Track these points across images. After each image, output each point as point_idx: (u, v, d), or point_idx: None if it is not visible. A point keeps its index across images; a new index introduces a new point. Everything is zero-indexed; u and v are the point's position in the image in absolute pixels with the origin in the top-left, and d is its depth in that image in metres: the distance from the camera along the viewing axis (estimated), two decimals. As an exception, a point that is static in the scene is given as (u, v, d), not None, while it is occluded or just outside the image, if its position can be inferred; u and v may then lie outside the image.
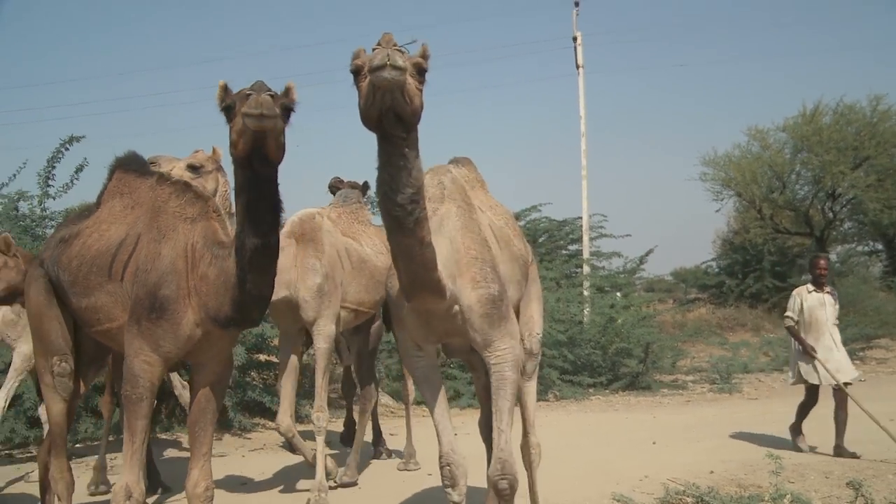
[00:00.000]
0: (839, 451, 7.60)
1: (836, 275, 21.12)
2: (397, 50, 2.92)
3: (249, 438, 9.07)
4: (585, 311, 14.16)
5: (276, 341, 8.25)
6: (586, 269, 16.24)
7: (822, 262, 8.27)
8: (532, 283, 4.73)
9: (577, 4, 18.65)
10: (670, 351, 14.70)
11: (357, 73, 3.01)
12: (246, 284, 3.51)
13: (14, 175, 9.97)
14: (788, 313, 8.14)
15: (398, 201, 3.14)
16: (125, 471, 3.72)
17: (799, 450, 7.85)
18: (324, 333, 6.01)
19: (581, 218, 17.38)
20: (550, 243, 16.99)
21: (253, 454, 8.32)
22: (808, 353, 7.83)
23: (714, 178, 26.79)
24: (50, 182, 9.74)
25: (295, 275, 5.92)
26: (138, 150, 4.57)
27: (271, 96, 3.18)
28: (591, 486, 6.36)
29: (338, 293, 6.10)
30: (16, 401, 8.12)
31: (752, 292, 23.68)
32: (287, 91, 3.39)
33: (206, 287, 3.68)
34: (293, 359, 6.18)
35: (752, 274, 24.04)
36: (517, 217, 15.23)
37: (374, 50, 2.92)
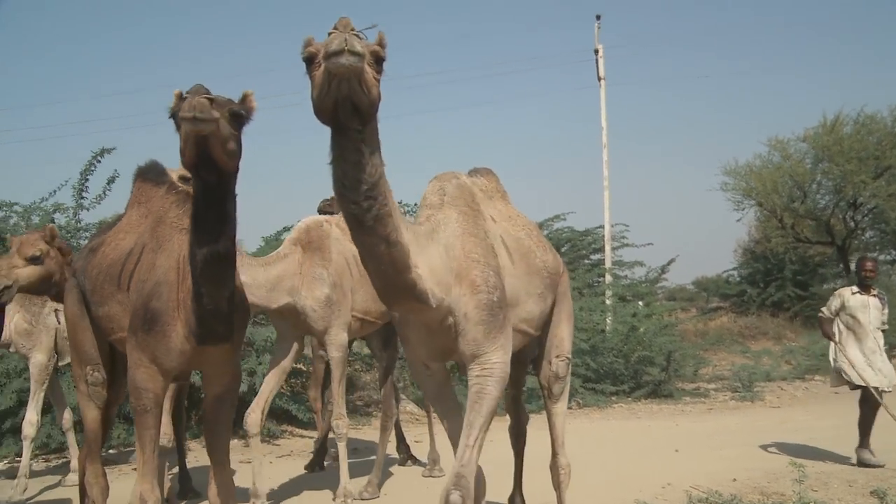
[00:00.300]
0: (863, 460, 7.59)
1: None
2: (355, 35, 2.69)
3: (278, 445, 9.21)
4: (608, 320, 14.23)
5: (307, 350, 8.29)
6: (608, 278, 16.32)
7: (868, 263, 7.98)
8: (562, 298, 4.56)
9: (598, 18, 18.87)
10: (692, 359, 14.71)
11: (310, 61, 2.78)
12: (202, 298, 3.40)
13: (55, 191, 10.17)
14: (823, 309, 8.06)
15: (353, 198, 2.96)
16: (139, 479, 3.72)
17: (870, 464, 7.46)
18: (336, 343, 6.03)
19: (603, 227, 17.48)
20: (573, 253, 17.08)
21: (280, 461, 8.44)
22: (833, 341, 7.77)
23: (735, 188, 26.78)
24: (84, 194, 9.95)
25: (299, 282, 5.88)
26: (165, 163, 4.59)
27: (209, 99, 3.03)
28: (614, 493, 6.42)
29: (347, 302, 6.07)
30: (52, 408, 8.30)
31: (773, 301, 23.67)
32: (244, 98, 3.27)
33: (189, 300, 3.58)
34: (283, 362, 6.13)
35: (774, 283, 24.04)
36: (540, 226, 15.32)
37: (329, 35, 2.70)
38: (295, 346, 6.24)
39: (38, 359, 6.64)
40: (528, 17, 66.95)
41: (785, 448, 8.35)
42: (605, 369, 12.95)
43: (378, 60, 2.85)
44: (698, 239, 51.17)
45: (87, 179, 9.83)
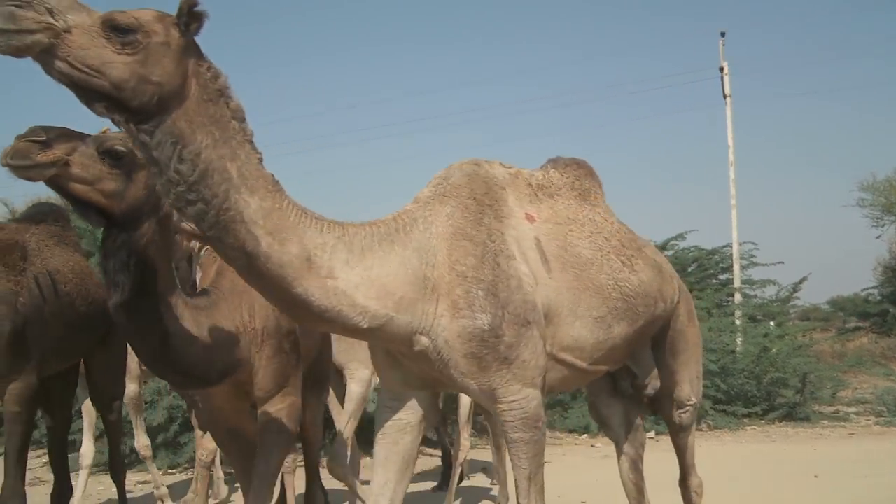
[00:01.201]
0: None
1: None
2: (12, 6, 2.11)
3: (406, 464, 9.36)
4: (738, 340, 13.88)
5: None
6: (738, 297, 15.91)
7: None
8: (678, 336, 3.95)
9: (723, 35, 18.77)
10: (830, 381, 14.09)
11: None
12: (134, 348, 3.18)
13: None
14: None
15: (172, 202, 2.47)
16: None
17: None
18: (356, 378, 5.84)
19: (731, 246, 17.10)
20: (701, 272, 16.68)
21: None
22: None
23: (874, 204, 25.77)
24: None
25: None
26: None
27: (39, 141, 2.69)
28: (751, 517, 6.27)
29: None
30: (193, 428, 8.77)
31: (920, 322, 22.39)
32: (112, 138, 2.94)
33: None
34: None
35: (921, 303, 22.77)
36: (662, 247, 15.09)
37: None
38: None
39: (131, 388, 6.61)
40: (652, 37, 66.11)
41: (938, 477, 7.86)
42: (735, 391, 12.61)
43: (117, 29, 2.27)
44: (832, 257, 49.01)
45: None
